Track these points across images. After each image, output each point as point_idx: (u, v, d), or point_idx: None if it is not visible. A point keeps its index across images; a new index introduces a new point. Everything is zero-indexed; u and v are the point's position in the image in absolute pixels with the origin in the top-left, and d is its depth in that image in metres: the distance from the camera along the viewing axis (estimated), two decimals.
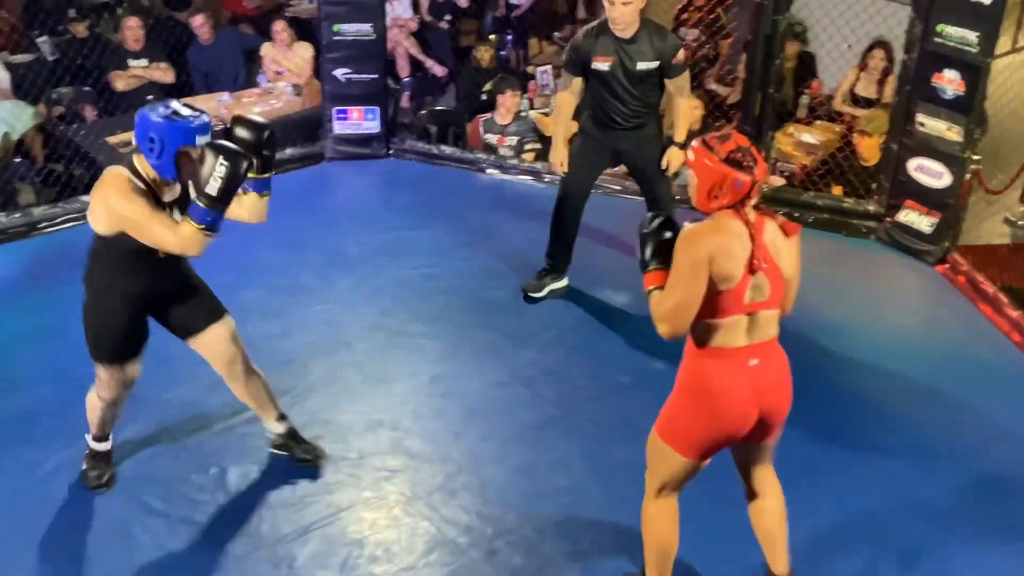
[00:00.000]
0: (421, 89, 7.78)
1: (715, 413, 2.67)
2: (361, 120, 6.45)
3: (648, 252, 2.75)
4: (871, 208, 5.56)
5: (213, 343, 3.38)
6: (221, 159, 2.88)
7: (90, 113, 6.71)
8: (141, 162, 3.02)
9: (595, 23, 4.48)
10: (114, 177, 3.00)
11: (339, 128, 6.44)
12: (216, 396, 4.01)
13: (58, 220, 5.55)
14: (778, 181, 5.95)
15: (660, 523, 2.88)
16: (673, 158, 4.57)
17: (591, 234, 5.38)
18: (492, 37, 7.66)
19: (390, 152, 6.60)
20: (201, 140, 2.95)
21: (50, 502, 3.47)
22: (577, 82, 4.51)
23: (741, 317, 2.63)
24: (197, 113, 3.01)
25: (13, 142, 6.39)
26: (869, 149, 5.75)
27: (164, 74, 6.91)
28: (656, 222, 2.78)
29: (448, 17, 8.33)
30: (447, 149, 6.62)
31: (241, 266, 5.04)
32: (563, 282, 4.92)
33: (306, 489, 3.56)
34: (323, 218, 5.73)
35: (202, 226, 2.95)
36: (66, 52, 6.92)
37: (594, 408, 4.03)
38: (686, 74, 4.49)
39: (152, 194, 3.03)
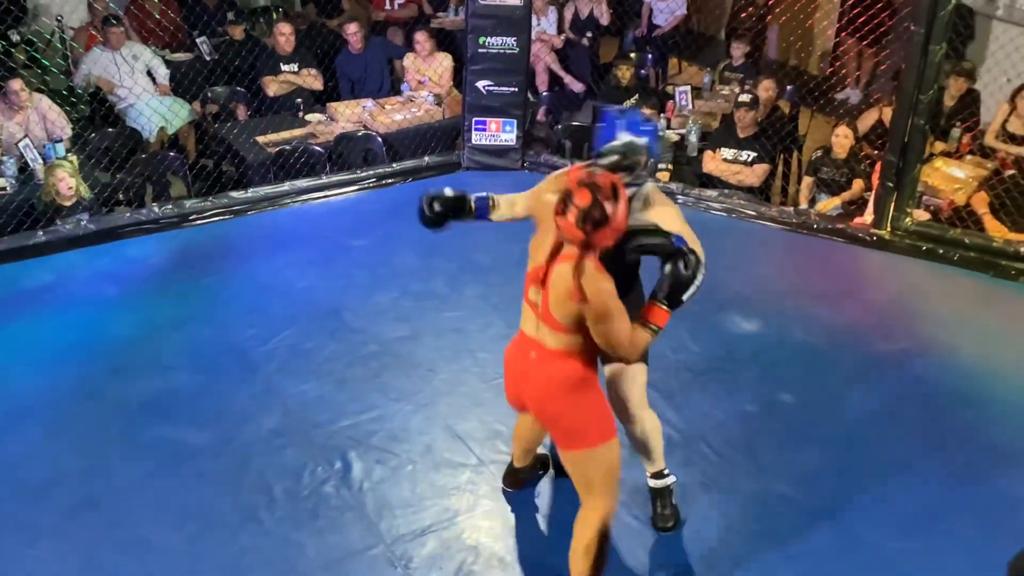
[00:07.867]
0: (558, 104, 7.83)
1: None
2: (499, 132, 6.55)
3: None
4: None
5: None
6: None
7: (242, 113, 7.01)
8: None
9: None
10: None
11: (476, 138, 6.55)
12: (344, 392, 4.14)
13: (207, 213, 5.80)
14: (923, 216, 5.73)
15: None
16: None
17: (724, 259, 5.30)
18: (632, 55, 7.64)
19: (524, 164, 6.67)
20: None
21: (185, 482, 3.62)
22: None
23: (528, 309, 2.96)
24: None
25: (169, 136, 6.75)
26: None
27: (314, 80, 7.15)
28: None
29: (589, 34, 8.37)
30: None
31: (377, 269, 5.20)
32: None
33: (425, 491, 3.61)
34: (456, 226, 5.76)
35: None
36: (224, 53, 7.26)
37: (715, 435, 3.97)
38: None
39: None
